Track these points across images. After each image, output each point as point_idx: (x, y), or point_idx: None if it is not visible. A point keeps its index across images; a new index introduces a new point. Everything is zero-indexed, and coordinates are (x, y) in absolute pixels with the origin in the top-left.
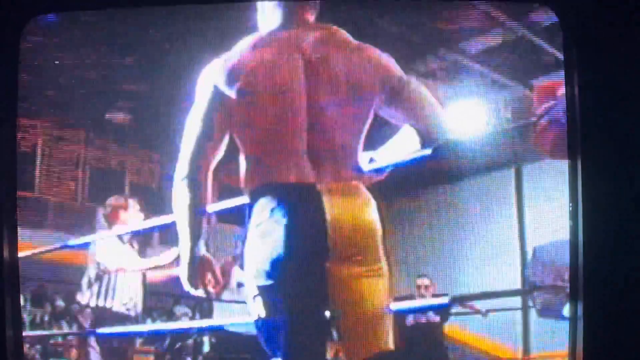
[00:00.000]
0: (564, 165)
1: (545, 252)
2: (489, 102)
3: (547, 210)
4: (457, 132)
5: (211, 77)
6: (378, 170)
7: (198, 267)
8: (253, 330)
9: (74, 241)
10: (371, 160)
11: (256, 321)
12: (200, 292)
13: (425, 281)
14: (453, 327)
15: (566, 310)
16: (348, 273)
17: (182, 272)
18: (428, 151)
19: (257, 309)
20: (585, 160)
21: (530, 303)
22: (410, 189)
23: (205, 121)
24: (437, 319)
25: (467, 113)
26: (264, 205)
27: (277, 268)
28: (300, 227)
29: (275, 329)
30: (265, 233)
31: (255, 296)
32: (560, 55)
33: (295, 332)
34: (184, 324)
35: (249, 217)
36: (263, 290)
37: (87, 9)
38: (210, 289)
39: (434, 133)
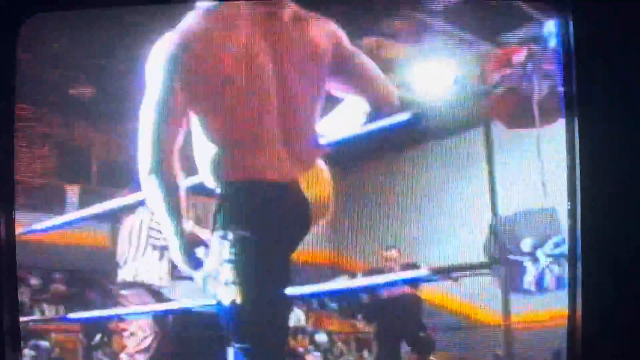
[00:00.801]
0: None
1: (505, 224)
2: (456, 62)
3: (514, 177)
4: (422, 94)
5: (164, 56)
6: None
7: (189, 246)
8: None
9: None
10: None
11: (225, 307)
12: (199, 271)
13: (393, 253)
14: (431, 293)
15: (527, 284)
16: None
17: (175, 256)
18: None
19: (229, 295)
20: (583, 123)
21: (492, 276)
22: (373, 157)
23: (164, 103)
24: (407, 289)
25: (433, 74)
26: (243, 197)
27: (259, 256)
28: (284, 220)
29: (244, 316)
30: (246, 224)
31: (228, 282)
32: (530, 10)
33: (265, 320)
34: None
35: (224, 207)
36: (240, 278)
37: (85, 8)
38: (206, 261)
39: (382, 104)
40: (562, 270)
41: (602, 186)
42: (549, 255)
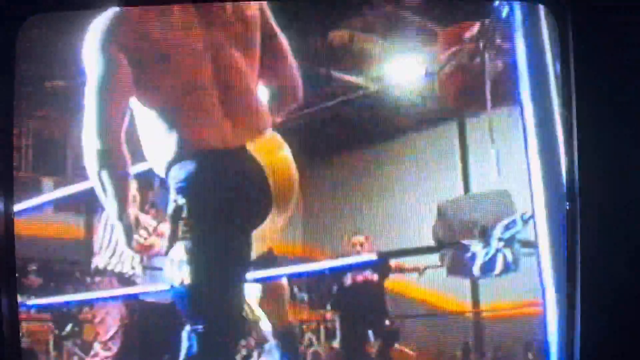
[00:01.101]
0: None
1: (452, 208)
2: (427, 54)
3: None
4: (395, 85)
5: (101, 41)
6: None
7: (132, 229)
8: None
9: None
10: None
11: (178, 287)
12: (140, 253)
13: (360, 239)
14: (401, 282)
15: (476, 269)
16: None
17: (120, 238)
18: None
19: (181, 275)
20: (581, 122)
21: (439, 261)
22: (346, 145)
23: (106, 85)
24: (374, 277)
25: (406, 65)
26: (192, 171)
27: (213, 233)
28: (240, 190)
29: (196, 296)
30: (199, 199)
31: (182, 262)
32: (502, 5)
33: (221, 299)
34: (103, 292)
35: (177, 185)
36: (192, 256)
37: (84, 9)
38: (149, 241)
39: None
40: (514, 254)
41: (601, 185)
42: (500, 239)
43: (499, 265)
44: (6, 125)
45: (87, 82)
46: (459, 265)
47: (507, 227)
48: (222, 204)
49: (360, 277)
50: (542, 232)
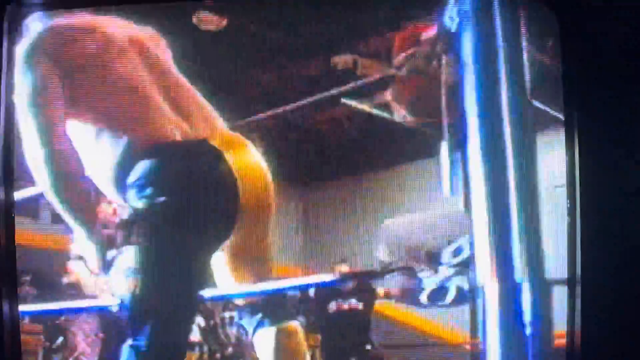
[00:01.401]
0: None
1: (396, 230)
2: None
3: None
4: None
5: (28, 52)
6: None
7: (104, 251)
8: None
9: None
10: None
11: (123, 298)
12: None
13: (344, 267)
14: (401, 310)
15: (424, 297)
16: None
17: (91, 261)
18: None
19: (128, 284)
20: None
21: (381, 287)
22: (337, 174)
23: (39, 98)
24: (359, 305)
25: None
26: (151, 166)
27: (168, 239)
28: (204, 187)
29: (145, 310)
30: (158, 197)
31: (130, 270)
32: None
33: (169, 316)
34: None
35: (135, 181)
36: (140, 264)
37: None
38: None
39: None
40: (470, 282)
41: (601, 184)
42: (449, 265)
43: (450, 294)
44: (6, 130)
45: (17, 94)
46: (406, 293)
47: (454, 253)
48: (182, 205)
49: (345, 305)
50: (481, 257)
